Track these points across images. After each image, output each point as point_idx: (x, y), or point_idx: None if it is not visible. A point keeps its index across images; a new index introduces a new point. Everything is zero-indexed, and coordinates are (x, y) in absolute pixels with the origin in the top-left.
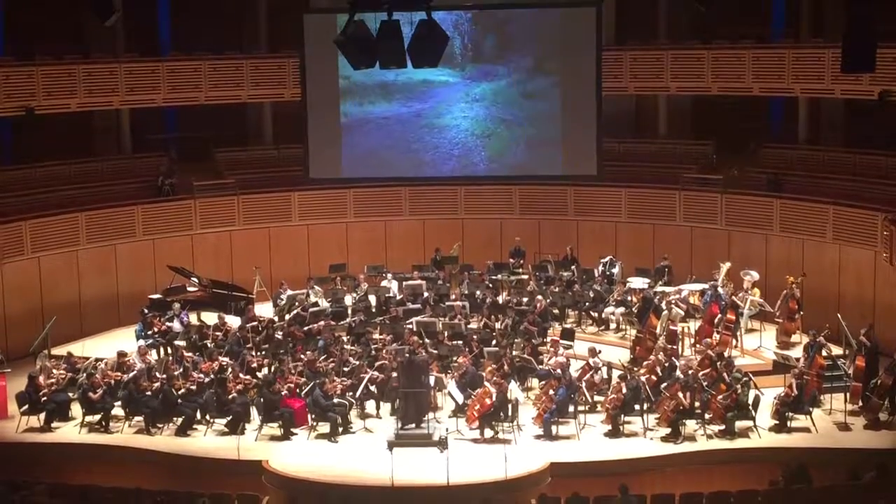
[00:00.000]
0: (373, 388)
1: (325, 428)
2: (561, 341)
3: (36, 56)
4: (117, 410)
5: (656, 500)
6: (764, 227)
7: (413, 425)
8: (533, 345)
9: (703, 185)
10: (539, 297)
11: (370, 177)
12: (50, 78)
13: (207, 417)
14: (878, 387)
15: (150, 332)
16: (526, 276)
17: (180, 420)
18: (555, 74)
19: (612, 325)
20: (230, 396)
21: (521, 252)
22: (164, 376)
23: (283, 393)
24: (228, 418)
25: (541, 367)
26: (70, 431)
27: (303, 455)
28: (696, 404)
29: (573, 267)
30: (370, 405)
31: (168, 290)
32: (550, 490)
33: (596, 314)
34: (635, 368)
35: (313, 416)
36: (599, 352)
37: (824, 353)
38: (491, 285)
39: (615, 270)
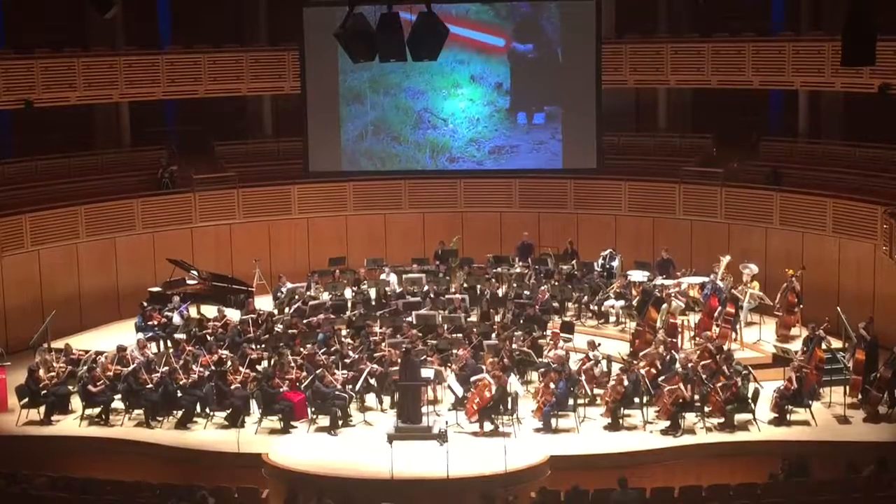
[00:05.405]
0: (373, 381)
1: (324, 421)
2: (561, 334)
3: (35, 49)
4: (117, 403)
5: (656, 492)
6: (764, 220)
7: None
8: (533, 338)
9: (702, 178)
10: (542, 287)
11: (370, 170)
12: (49, 71)
13: (207, 410)
14: (878, 380)
15: (149, 325)
16: (527, 270)
17: (180, 413)
18: (554, 67)
19: (612, 319)
20: (231, 388)
21: (529, 247)
22: (166, 369)
23: (282, 388)
24: (228, 411)
25: (540, 360)
26: (70, 424)
27: (302, 448)
28: (696, 397)
29: (573, 261)
30: (370, 398)
31: (168, 283)
32: (550, 483)
33: (596, 307)
34: (635, 361)
35: (313, 409)
36: (599, 345)
37: (824, 346)
38: (492, 279)
39: (615, 263)
